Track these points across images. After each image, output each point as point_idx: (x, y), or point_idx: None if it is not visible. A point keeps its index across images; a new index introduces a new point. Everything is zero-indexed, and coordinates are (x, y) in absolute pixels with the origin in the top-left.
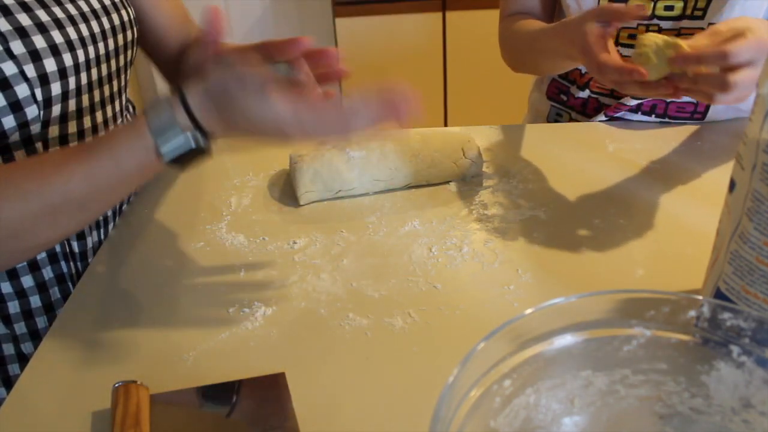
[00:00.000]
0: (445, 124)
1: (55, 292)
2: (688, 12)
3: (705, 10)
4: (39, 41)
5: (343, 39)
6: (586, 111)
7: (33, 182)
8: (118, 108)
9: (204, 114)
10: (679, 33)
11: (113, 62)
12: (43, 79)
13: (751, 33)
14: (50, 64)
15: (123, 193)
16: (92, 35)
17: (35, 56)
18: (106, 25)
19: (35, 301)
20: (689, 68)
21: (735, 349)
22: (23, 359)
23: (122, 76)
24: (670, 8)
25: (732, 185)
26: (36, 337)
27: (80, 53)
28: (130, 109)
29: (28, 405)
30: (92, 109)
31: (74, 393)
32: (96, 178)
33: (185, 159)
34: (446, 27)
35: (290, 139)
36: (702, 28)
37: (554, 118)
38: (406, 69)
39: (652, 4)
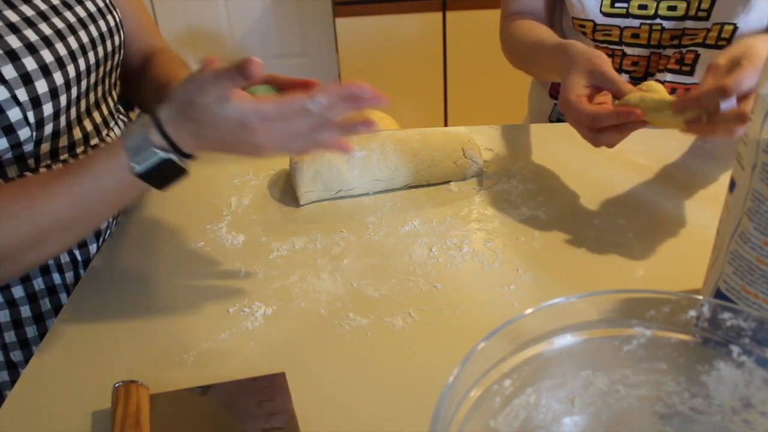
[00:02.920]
0: (445, 124)
1: (45, 303)
2: (692, 13)
3: (709, 11)
4: (29, 63)
5: (343, 39)
6: None
7: (20, 206)
8: (107, 112)
9: (174, 128)
10: (683, 33)
11: (101, 69)
12: (35, 102)
13: (747, 60)
14: (41, 86)
15: (107, 213)
16: (81, 46)
17: (26, 79)
18: (95, 33)
19: (25, 311)
20: (693, 110)
21: (735, 349)
22: (12, 366)
23: (107, 80)
24: (673, 8)
25: (732, 185)
26: (25, 345)
27: (71, 69)
28: (122, 110)
29: (29, 405)
30: (80, 119)
31: (74, 393)
32: (80, 198)
33: (162, 177)
34: (446, 27)
35: (261, 149)
36: (707, 29)
37: (557, 116)
38: (406, 69)
39: (655, 4)
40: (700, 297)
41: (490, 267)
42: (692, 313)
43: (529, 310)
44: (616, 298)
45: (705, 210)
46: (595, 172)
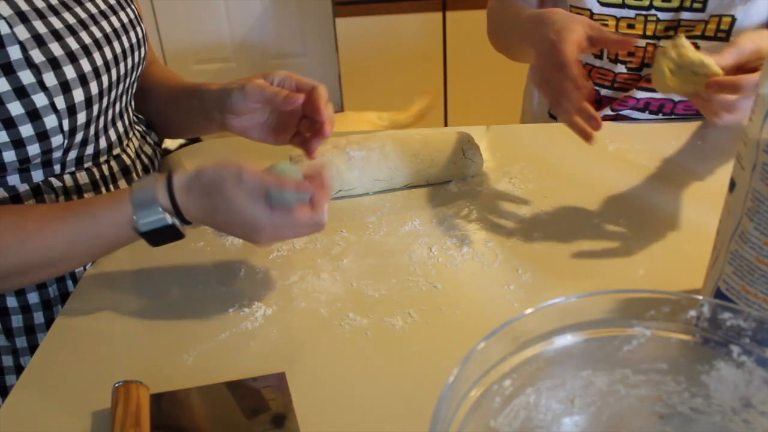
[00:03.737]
0: (445, 124)
1: (58, 310)
2: (687, 4)
3: (705, 2)
4: (69, 72)
5: (343, 39)
6: (600, 106)
7: (15, 237)
8: (127, 122)
9: (185, 198)
10: (678, 24)
11: (128, 80)
12: (71, 110)
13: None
14: (78, 95)
15: (97, 257)
16: (115, 57)
17: (66, 88)
18: (126, 44)
19: (38, 317)
20: (722, 93)
21: (735, 349)
22: (21, 371)
23: (130, 91)
24: None
25: (732, 185)
26: (35, 351)
27: (104, 79)
28: (136, 120)
29: (28, 405)
30: (106, 129)
31: (74, 393)
32: (76, 242)
33: (160, 237)
34: (446, 27)
35: (254, 243)
36: (705, 21)
37: None
38: (406, 69)
39: None
40: (700, 297)
41: (490, 267)
42: (692, 313)
43: (529, 310)
44: (616, 298)
45: (705, 210)
46: (595, 172)
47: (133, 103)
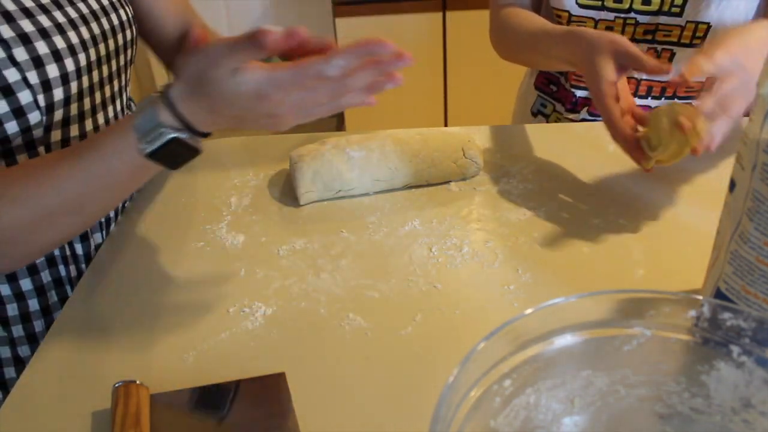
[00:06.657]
0: (445, 124)
1: (52, 296)
2: (666, 8)
3: (683, 7)
4: (41, 47)
5: (343, 39)
6: (576, 107)
7: (26, 187)
8: (119, 107)
9: (187, 105)
10: (656, 28)
11: (113, 62)
12: (46, 86)
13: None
14: (53, 70)
15: (118, 194)
16: (93, 37)
17: (38, 62)
18: (106, 26)
19: (33, 304)
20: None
21: (735, 349)
22: (20, 362)
23: (122, 76)
24: (647, 2)
25: (732, 185)
26: (33, 340)
27: (82, 57)
28: (132, 107)
29: (28, 405)
30: (94, 111)
31: (74, 393)
32: (87, 178)
33: (173, 157)
34: (446, 27)
35: (281, 120)
36: (680, 26)
37: (538, 108)
38: (406, 69)
39: None
40: (700, 297)
41: (490, 267)
42: (692, 313)
43: (529, 310)
44: (616, 298)
45: (705, 210)
46: (595, 172)
47: (127, 91)
